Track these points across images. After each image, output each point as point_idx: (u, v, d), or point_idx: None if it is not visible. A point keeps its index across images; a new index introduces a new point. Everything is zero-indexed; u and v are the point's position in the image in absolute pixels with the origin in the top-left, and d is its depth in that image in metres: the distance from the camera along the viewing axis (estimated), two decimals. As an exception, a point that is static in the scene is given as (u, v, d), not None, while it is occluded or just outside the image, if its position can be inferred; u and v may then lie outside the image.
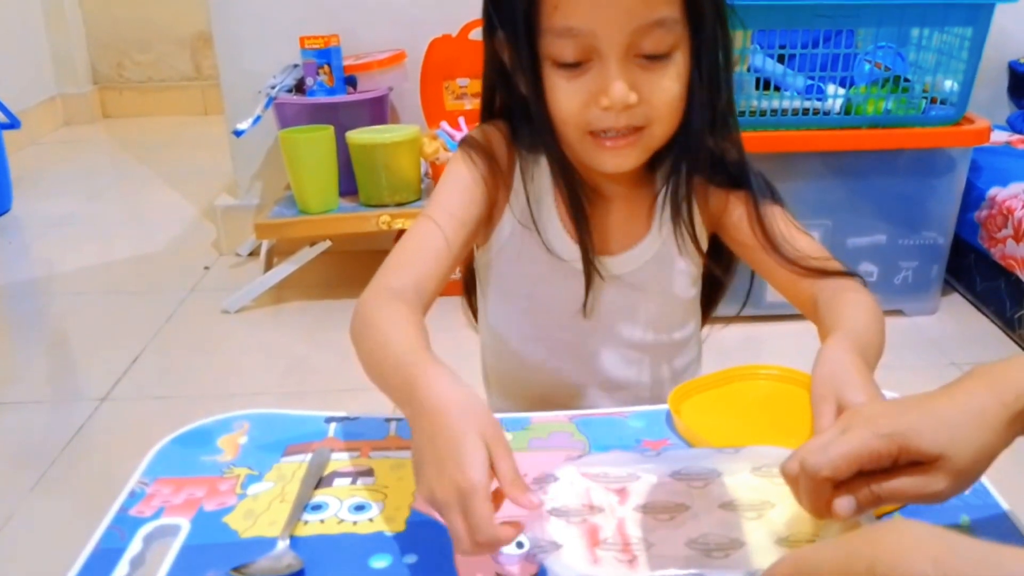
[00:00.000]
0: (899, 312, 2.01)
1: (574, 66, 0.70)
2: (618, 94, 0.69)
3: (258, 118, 2.05)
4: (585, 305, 0.83)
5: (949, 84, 1.83)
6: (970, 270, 2.07)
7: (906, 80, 1.81)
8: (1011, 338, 1.90)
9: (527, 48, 0.71)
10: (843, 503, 0.52)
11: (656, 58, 0.70)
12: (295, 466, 0.73)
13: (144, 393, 1.81)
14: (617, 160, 0.75)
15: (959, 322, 2.01)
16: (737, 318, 1.81)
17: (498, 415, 0.78)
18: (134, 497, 0.70)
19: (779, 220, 0.80)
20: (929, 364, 1.84)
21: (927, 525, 0.43)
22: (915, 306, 2.01)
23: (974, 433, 0.53)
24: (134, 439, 1.61)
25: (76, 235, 2.72)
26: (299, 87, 2.12)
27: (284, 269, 2.11)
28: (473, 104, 2.20)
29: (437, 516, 0.56)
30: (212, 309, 2.14)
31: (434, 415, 0.57)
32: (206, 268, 2.41)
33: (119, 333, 2.08)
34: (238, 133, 2.06)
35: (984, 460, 0.53)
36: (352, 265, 2.30)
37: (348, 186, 2.07)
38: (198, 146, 3.48)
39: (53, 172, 3.40)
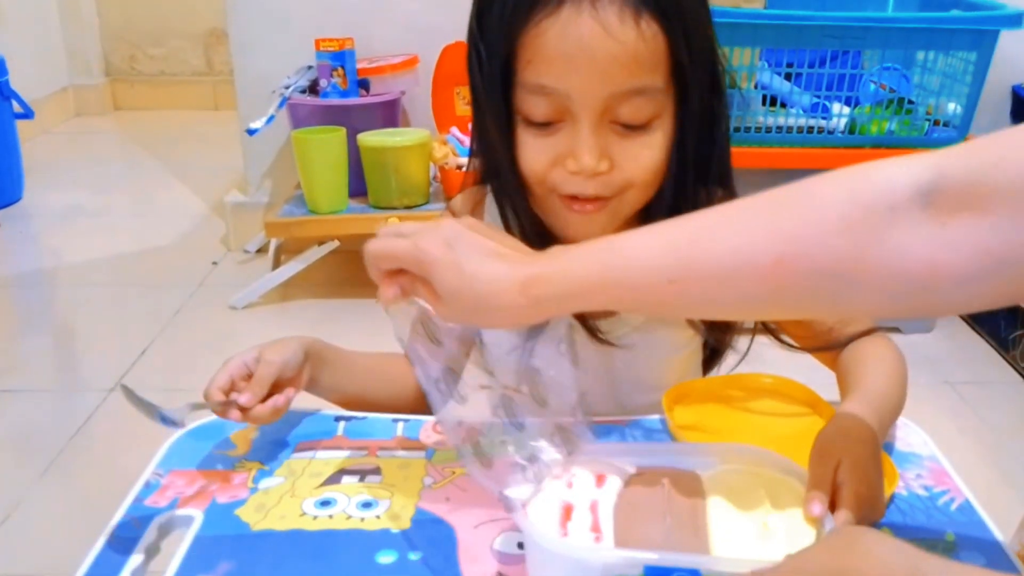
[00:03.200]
0: (896, 330, 2.04)
1: (545, 125, 0.67)
2: (587, 161, 0.65)
3: (271, 117, 2.08)
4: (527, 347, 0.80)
5: (952, 107, 1.85)
6: (968, 290, 2.09)
7: (910, 102, 1.84)
8: (1005, 359, 1.93)
9: (500, 100, 0.67)
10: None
11: (634, 127, 0.67)
12: (305, 462, 0.76)
13: (151, 385, 1.82)
14: (583, 226, 0.70)
15: (954, 341, 2.03)
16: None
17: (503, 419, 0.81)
18: (149, 488, 0.73)
19: None
20: (924, 383, 1.86)
21: (892, 541, 0.45)
22: (912, 324, 2.03)
23: None
24: (142, 430, 1.63)
25: (85, 226, 2.74)
26: (313, 88, 2.15)
27: (292, 267, 2.14)
28: (483, 110, 2.22)
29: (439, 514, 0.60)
30: (219, 305, 2.17)
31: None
32: (214, 263, 2.43)
33: (127, 325, 2.10)
34: (251, 132, 2.09)
35: None
36: (359, 265, 2.30)
37: (358, 187, 2.10)
38: (209, 141, 3.51)
39: (64, 163, 3.42)
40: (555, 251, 0.56)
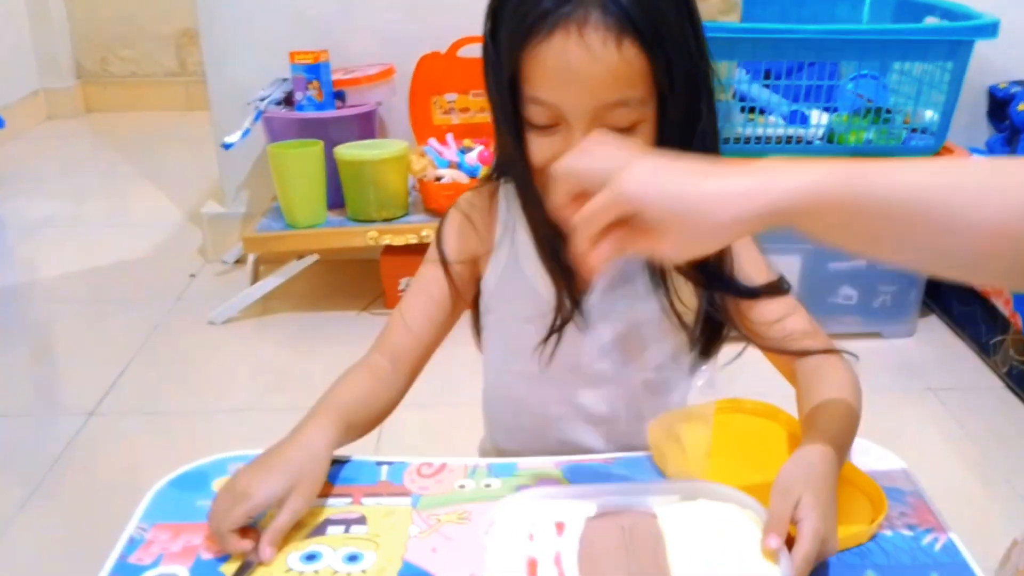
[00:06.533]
0: (877, 335, 2.05)
1: (546, 127, 0.75)
2: None
3: (247, 131, 2.06)
4: (549, 334, 0.85)
5: (929, 115, 1.86)
6: (949, 293, 2.11)
7: (887, 112, 1.85)
8: (987, 364, 1.94)
9: (511, 108, 0.76)
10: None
11: (621, 130, 0.74)
12: (288, 512, 0.75)
13: (132, 408, 1.81)
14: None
15: (936, 346, 2.04)
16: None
17: (487, 460, 0.81)
18: (133, 544, 0.72)
19: (768, 303, 0.83)
20: (905, 388, 1.87)
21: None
22: (893, 329, 2.05)
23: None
24: (125, 456, 1.63)
25: (60, 237, 2.71)
26: (288, 100, 2.13)
27: (271, 282, 2.12)
28: (460, 119, 2.22)
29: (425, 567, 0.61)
30: (198, 320, 2.15)
31: (283, 444, 0.75)
32: (192, 276, 2.41)
33: (105, 343, 2.08)
34: (227, 146, 2.07)
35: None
36: (339, 276, 2.31)
37: (336, 199, 2.08)
38: (182, 143, 3.47)
39: (36, 169, 3.37)
40: (765, 164, 0.59)
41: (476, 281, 0.90)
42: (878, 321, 2.04)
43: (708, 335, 0.90)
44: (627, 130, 0.74)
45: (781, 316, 0.83)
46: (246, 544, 0.69)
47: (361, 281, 2.26)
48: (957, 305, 2.08)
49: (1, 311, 2.30)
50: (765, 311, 0.83)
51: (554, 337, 0.85)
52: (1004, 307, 1.80)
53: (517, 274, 0.86)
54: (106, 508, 1.43)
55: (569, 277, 0.83)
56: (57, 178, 3.26)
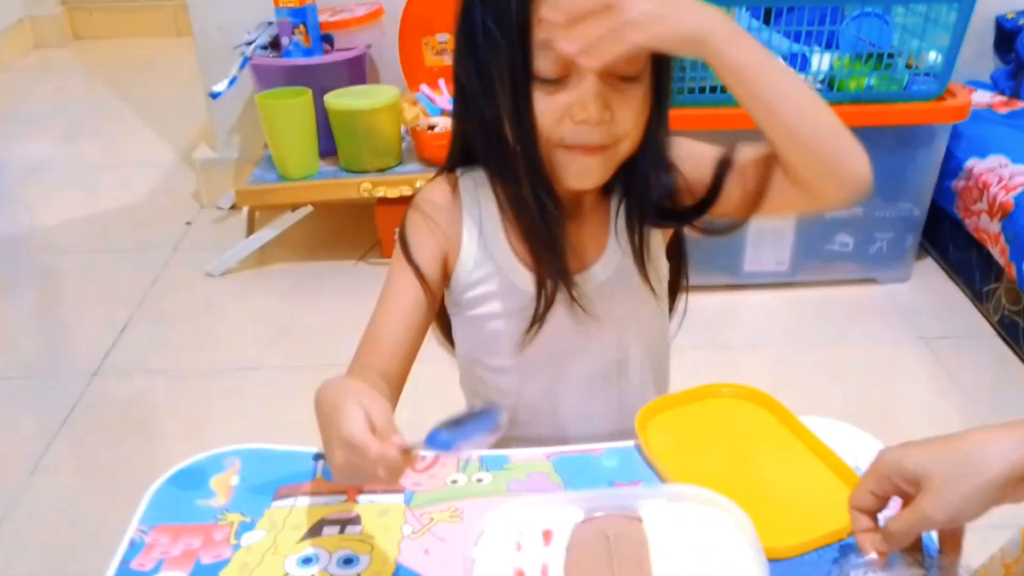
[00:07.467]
0: (873, 281, 2.05)
1: (553, 82, 0.74)
2: (593, 109, 0.73)
3: (234, 79, 2.02)
4: (535, 318, 0.84)
5: (933, 56, 1.82)
6: (945, 237, 2.10)
7: (889, 56, 1.80)
8: (979, 311, 1.94)
9: (521, 61, 0.73)
10: (869, 543, 0.63)
11: (628, 79, 0.74)
12: (286, 512, 0.77)
13: (135, 366, 1.83)
14: (584, 171, 0.78)
15: (930, 292, 2.04)
16: (714, 287, 1.84)
17: (479, 452, 0.83)
18: (134, 548, 0.73)
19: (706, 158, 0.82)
20: (898, 337, 1.88)
21: None
22: (888, 275, 2.05)
23: (958, 460, 0.59)
24: (132, 419, 1.65)
25: (55, 182, 2.69)
26: (275, 45, 2.08)
27: (267, 234, 2.11)
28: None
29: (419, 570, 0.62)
30: (196, 271, 2.15)
31: (322, 400, 0.67)
32: (188, 223, 2.40)
33: (105, 298, 2.09)
34: (215, 95, 2.03)
35: (973, 497, 0.58)
36: (334, 223, 2.30)
37: (328, 146, 2.05)
38: (173, 75, 3.38)
39: (27, 105, 3.32)
40: None
41: (446, 279, 0.87)
42: (874, 268, 2.03)
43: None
44: (633, 79, 0.74)
45: (706, 151, 0.83)
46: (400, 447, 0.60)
47: (357, 229, 2.25)
48: (953, 250, 2.07)
49: (1, 261, 2.30)
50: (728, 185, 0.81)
51: (535, 326, 0.84)
52: (1000, 256, 1.80)
53: (490, 268, 0.85)
54: (116, 474, 1.48)
55: (552, 258, 0.82)
56: (49, 115, 3.21)
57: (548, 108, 0.74)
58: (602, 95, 0.73)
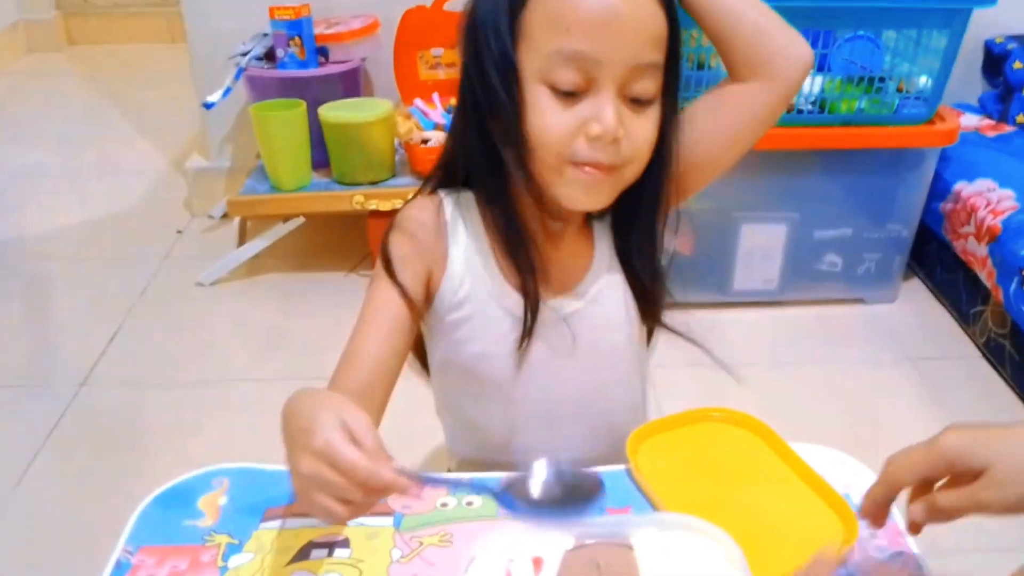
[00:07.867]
0: (860, 301, 2.07)
1: (570, 95, 0.73)
2: (610, 123, 0.72)
3: (228, 90, 2.02)
4: (523, 338, 0.83)
5: (923, 80, 1.84)
6: (932, 259, 2.11)
7: (880, 80, 1.82)
8: (966, 333, 1.95)
9: (515, 76, 0.73)
10: (913, 510, 0.64)
11: (641, 103, 0.74)
12: (274, 534, 0.77)
13: (123, 378, 1.82)
14: (591, 191, 0.76)
15: (917, 313, 2.05)
16: (703, 304, 1.85)
17: (463, 475, 0.83)
18: (120, 568, 0.73)
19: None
20: (885, 357, 1.89)
21: None
22: (875, 295, 2.06)
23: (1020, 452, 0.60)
24: (120, 430, 1.64)
25: (46, 188, 2.68)
26: (269, 56, 2.08)
27: (258, 244, 2.11)
28: (447, 74, 2.17)
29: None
30: (187, 280, 2.14)
31: (293, 411, 0.64)
32: (179, 232, 2.39)
33: (94, 306, 2.07)
34: (208, 106, 2.03)
35: None
36: (325, 234, 2.30)
37: (321, 157, 2.05)
38: (166, 82, 3.36)
39: (19, 110, 3.30)
40: None
41: (428, 300, 0.84)
42: (861, 288, 2.05)
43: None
44: (647, 103, 0.75)
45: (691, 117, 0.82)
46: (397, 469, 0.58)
47: (348, 241, 2.25)
48: (941, 272, 2.08)
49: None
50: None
51: (522, 347, 0.83)
52: (987, 279, 1.81)
53: (476, 290, 0.83)
54: (103, 487, 1.46)
55: (537, 281, 0.81)
56: (41, 121, 3.20)
57: (562, 121, 0.73)
58: (619, 111, 0.73)
